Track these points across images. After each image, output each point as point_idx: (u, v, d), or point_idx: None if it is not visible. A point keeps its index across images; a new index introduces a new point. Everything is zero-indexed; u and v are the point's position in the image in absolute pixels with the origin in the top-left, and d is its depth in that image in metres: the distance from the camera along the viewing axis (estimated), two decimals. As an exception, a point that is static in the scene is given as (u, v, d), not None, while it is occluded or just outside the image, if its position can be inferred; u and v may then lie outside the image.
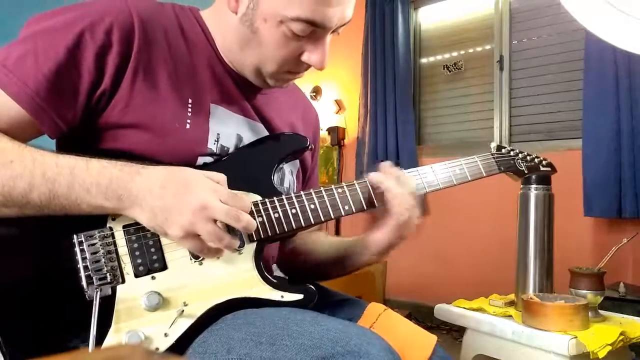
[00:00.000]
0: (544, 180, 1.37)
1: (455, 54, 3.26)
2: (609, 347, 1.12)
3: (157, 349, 0.67)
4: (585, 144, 2.48)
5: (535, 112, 2.89)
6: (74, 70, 0.69)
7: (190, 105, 0.76)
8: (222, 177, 0.70)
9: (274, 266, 0.95)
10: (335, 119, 3.70)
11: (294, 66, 0.79)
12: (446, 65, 3.26)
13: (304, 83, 1.02)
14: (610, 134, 2.39)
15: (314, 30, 0.74)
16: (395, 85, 3.27)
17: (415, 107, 3.34)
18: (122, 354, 0.24)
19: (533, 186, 1.37)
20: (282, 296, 0.74)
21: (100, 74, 0.70)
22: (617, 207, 2.38)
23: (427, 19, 3.43)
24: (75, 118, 0.71)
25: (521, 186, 1.40)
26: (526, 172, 1.08)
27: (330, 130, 3.64)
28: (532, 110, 2.90)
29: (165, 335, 0.68)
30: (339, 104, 3.69)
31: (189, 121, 0.75)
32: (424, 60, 3.43)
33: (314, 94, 3.73)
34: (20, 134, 0.69)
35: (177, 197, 0.65)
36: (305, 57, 0.77)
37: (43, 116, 0.68)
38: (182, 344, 0.68)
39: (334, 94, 3.74)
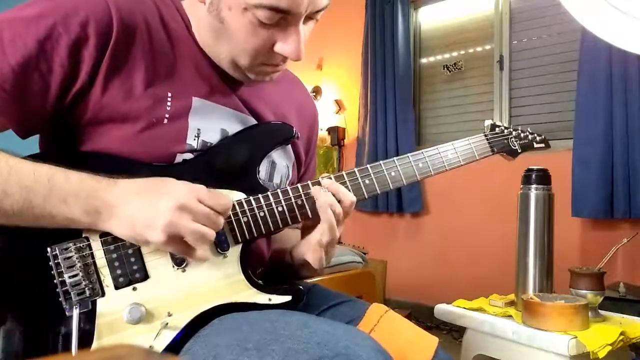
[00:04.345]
0: (544, 180, 1.37)
1: (455, 54, 3.26)
2: (609, 347, 1.12)
3: None
4: (575, 144, 2.50)
5: (535, 112, 2.89)
6: (44, 64, 0.65)
7: (169, 100, 0.72)
8: (202, 187, 0.67)
9: None
10: (335, 119, 3.70)
11: (268, 58, 0.74)
12: (446, 65, 3.26)
13: (304, 83, 1.01)
14: (602, 135, 2.40)
15: (283, 17, 0.68)
16: (395, 85, 3.27)
17: (415, 107, 3.34)
18: (121, 354, 0.23)
19: (533, 186, 1.37)
20: (269, 299, 0.72)
21: (75, 69, 0.67)
22: (609, 208, 2.39)
23: (427, 19, 3.43)
24: (44, 115, 0.68)
25: (521, 186, 1.40)
26: (520, 150, 1.05)
27: (330, 130, 3.64)
28: (532, 110, 2.90)
29: (150, 347, 0.65)
30: (339, 104, 3.69)
31: (167, 116, 0.72)
32: (424, 60, 3.43)
33: (314, 94, 3.73)
34: None
35: (153, 201, 0.63)
36: (277, 48, 0.72)
37: (7, 112, 0.65)
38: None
39: (334, 94, 3.74)
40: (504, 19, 3.02)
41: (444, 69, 3.28)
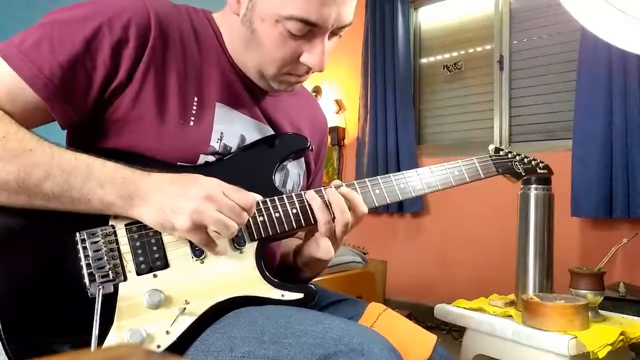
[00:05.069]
0: (544, 180, 1.37)
1: (455, 54, 3.26)
2: (609, 347, 1.12)
3: (159, 346, 0.67)
4: (575, 144, 2.50)
5: (535, 112, 2.89)
6: (89, 61, 0.71)
7: (195, 104, 0.77)
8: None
9: None
10: (335, 119, 3.70)
11: (294, 68, 0.79)
12: (446, 65, 3.26)
13: (304, 83, 1.03)
14: (602, 134, 2.40)
15: (311, 30, 0.74)
16: (395, 85, 3.27)
17: (415, 107, 3.35)
18: (122, 354, 0.24)
19: (533, 186, 1.37)
20: (282, 295, 0.75)
21: (116, 67, 0.72)
22: (608, 208, 2.39)
23: (427, 19, 3.43)
24: (86, 109, 0.73)
25: (521, 186, 1.40)
26: (523, 174, 1.10)
27: (330, 130, 3.64)
28: (532, 110, 2.90)
29: (167, 333, 0.68)
30: (339, 104, 3.70)
31: (192, 119, 0.77)
32: (424, 60, 3.43)
33: (314, 94, 3.74)
34: (31, 118, 0.70)
35: (183, 190, 0.67)
36: (303, 58, 0.77)
37: (55, 103, 0.70)
38: (183, 342, 0.69)
39: (334, 94, 3.74)
40: (504, 19, 3.02)
41: (444, 69, 3.28)
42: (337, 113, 3.70)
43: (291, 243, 0.94)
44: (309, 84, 3.68)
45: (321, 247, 0.79)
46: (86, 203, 0.66)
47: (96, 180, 0.66)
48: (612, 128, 2.39)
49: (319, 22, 0.73)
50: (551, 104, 2.83)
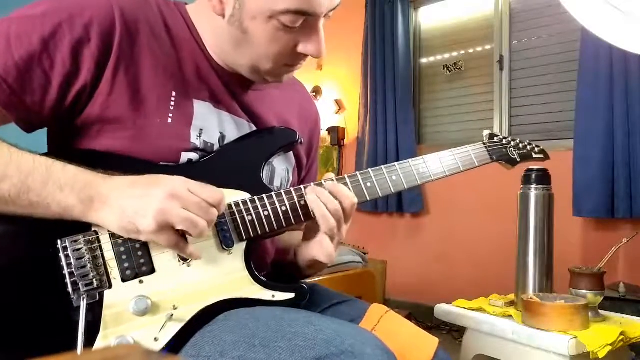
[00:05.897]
0: (544, 180, 1.37)
1: (455, 54, 3.26)
2: (609, 347, 1.12)
3: None
4: (576, 144, 2.50)
5: (535, 112, 2.89)
6: (47, 60, 0.68)
7: (173, 100, 0.75)
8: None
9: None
10: (335, 119, 3.70)
11: (291, 59, 0.78)
12: (446, 65, 3.26)
13: (304, 83, 1.02)
14: (603, 134, 2.40)
15: (305, 19, 0.72)
16: (395, 85, 3.27)
17: (415, 107, 3.34)
18: (120, 354, 0.24)
19: (533, 186, 1.37)
20: (273, 296, 0.73)
21: (76, 67, 0.69)
22: (610, 208, 2.39)
23: (427, 19, 3.43)
24: (45, 111, 0.70)
25: (521, 186, 1.40)
26: (519, 160, 1.08)
27: (330, 130, 3.64)
28: (532, 110, 2.90)
29: (155, 339, 0.66)
30: (339, 104, 3.70)
31: (170, 115, 0.74)
32: (424, 60, 3.43)
33: (314, 94, 3.74)
34: None
35: (145, 191, 0.64)
36: (301, 48, 0.75)
37: (9, 104, 0.67)
38: (173, 348, 0.67)
39: (334, 94, 3.74)
40: (504, 19, 3.02)
41: (444, 69, 3.28)
42: (337, 113, 3.70)
43: (291, 238, 0.92)
44: (308, 84, 3.69)
45: (324, 248, 0.77)
46: (45, 207, 0.63)
47: (55, 182, 0.63)
48: (613, 128, 2.39)
49: (314, 10, 0.71)
50: (551, 104, 2.82)
